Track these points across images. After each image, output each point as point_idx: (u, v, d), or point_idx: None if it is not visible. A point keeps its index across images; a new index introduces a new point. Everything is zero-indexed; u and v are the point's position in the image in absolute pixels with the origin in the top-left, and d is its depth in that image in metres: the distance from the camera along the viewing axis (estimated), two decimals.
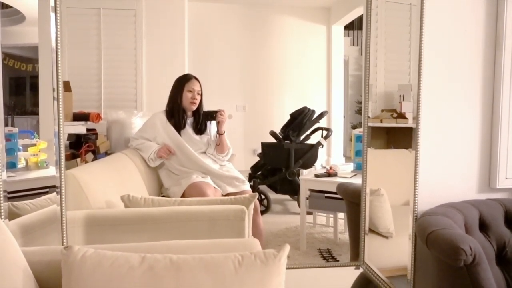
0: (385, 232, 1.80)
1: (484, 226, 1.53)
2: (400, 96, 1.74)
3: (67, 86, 2.33)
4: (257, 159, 2.93)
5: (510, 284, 1.47)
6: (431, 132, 1.67)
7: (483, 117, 1.73)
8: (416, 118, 1.56)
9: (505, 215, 1.56)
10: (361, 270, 1.81)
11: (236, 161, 2.45)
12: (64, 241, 1.37)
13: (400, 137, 1.72)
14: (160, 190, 2.25)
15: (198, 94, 2.27)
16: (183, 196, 2.11)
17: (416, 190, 1.55)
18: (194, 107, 2.27)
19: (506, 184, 1.71)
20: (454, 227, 1.36)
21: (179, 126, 2.24)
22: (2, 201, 1.25)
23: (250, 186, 2.37)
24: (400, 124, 1.71)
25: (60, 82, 1.31)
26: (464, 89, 1.72)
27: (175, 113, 2.24)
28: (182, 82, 2.27)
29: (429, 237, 1.32)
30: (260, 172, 2.88)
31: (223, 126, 2.29)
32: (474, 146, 1.73)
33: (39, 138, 2.06)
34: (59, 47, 1.32)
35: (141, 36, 2.88)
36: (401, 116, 1.71)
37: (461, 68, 1.71)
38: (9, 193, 1.34)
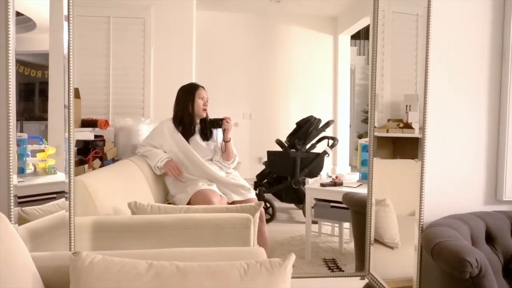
0: (390, 243, 1.80)
1: (490, 238, 1.52)
2: (406, 106, 1.75)
3: (76, 93, 2.34)
4: (263, 167, 2.94)
5: None
6: (437, 143, 1.67)
7: (489, 128, 1.73)
8: (422, 129, 1.56)
9: (511, 227, 1.55)
10: (366, 280, 1.80)
11: (241, 169, 2.46)
12: (72, 246, 1.38)
13: (406, 147, 1.72)
14: (166, 197, 2.26)
15: (207, 101, 2.31)
16: (189, 203, 2.12)
17: (422, 201, 1.55)
18: (205, 114, 2.31)
19: None
20: (460, 239, 1.36)
21: (188, 133, 2.26)
22: (13, 206, 1.26)
23: (256, 194, 2.37)
24: (406, 134, 1.71)
25: (71, 90, 1.34)
26: (470, 100, 1.72)
27: (186, 120, 2.27)
28: (192, 90, 2.30)
29: (435, 249, 1.32)
30: (265, 181, 2.89)
31: (229, 134, 2.31)
32: (481, 157, 1.73)
33: (47, 144, 2.08)
34: (71, 55, 1.35)
35: (150, 44, 2.91)
36: (407, 126, 1.72)
37: (467, 79, 1.71)
38: (18, 198, 1.35)
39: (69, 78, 1.33)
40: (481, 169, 1.73)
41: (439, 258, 1.31)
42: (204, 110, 2.30)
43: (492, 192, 1.73)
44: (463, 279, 1.22)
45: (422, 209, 1.55)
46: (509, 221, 1.56)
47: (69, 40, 1.37)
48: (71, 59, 1.35)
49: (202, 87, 2.33)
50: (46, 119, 2.20)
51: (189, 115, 2.27)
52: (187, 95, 2.29)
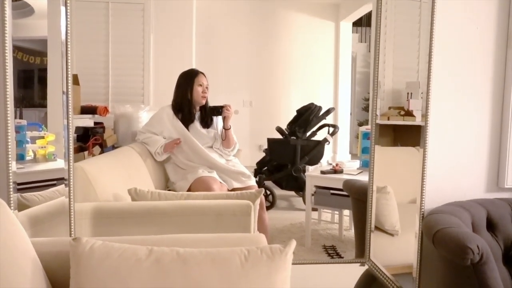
0: (391, 230, 1.80)
1: (491, 226, 1.52)
2: (408, 93, 1.73)
3: (75, 80, 2.33)
4: (263, 154, 2.93)
5: None
6: (439, 130, 1.66)
7: (492, 116, 1.71)
8: (425, 116, 1.55)
9: None
10: (366, 267, 1.81)
11: (242, 156, 2.46)
12: (72, 232, 1.38)
13: (407, 135, 1.71)
14: (167, 184, 2.26)
15: (207, 88, 2.29)
16: (189, 190, 2.12)
17: (424, 188, 1.55)
18: (204, 101, 2.29)
19: None
20: (461, 226, 1.36)
21: (188, 121, 2.25)
22: (12, 192, 1.26)
23: (256, 181, 2.37)
24: (408, 121, 1.70)
25: (69, 76, 1.32)
26: (473, 88, 1.70)
27: (185, 107, 2.25)
28: (191, 76, 2.28)
29: (436, 236, 1.32)
30: (265, 168, 2.88)
31: (229, 121, 2.29)
32: (483, 145, 1.72)
33: (47, 131, 2.07)
34: (69, 41, 1.33)
35: (149, 30, 2.88)
36: (409, 113, 1.71)
37: (471, 66, 1.69)
38: (18, 184, 1.35)
39: (67, 64, 1.31)
40: (483, 156, 1.72)
41: (440, 245, 1.31)
42: (203, 97, 2.28)
43: (494, 179, 1.73)
44: (464, 266, 1.22)
45: (424, 196, 1.55)
46: (511, 208, 1.56)
47: (66, 26, 1.34)
48: (69, 45, 1.33)
49: (203, 73, 2.30)
50: (45, 106, 2.19)
51: (188, 102, 2.25)
52: (186, 81, 2.27)
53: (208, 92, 2.30)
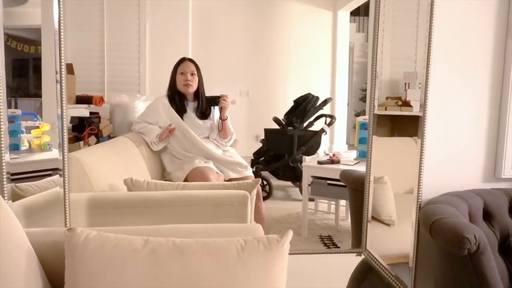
0: (387, 220, 1.80)
1: (488, 216, 1.53)
2: (405, 83, 1.72)
3: (70, 69, 2.31)
4: (260, 145, 2.93)
5: None
6: (437, 121, 1.65)
7: (491, 106, 1.70)
8: (423, 106, 1.54)
9: (509, 204, 1.55)
10: (362, 257, 1.82)
11: (239, 146, 2.45)
12: (67, 223, 1.37)
13: (405, 125, 1.70)
14: (163, 174, 2.25)
15: (192, 74, 2.23)
16: (185, 181, 2.11)
17: (421, 178, 1.54)
18: (190, 89, 2.24)
19: (511, 173, 1.70)
20: (458, 216, 1.36)
21: (180, 111, 2.23)
22: (5, 182, 1.24)
23: (253, 172, 2.37)
24: (406, 112, 1.69)
25: (63, 64, 1.30)
26: (472, 77, 1.69)
27: (174, 97, 2.23)
28: (176, 65, 2.26)
29: (433, 226, 1.32)
30: (262, 158, 2.88)
31: (226, 112, 2.27)
32: (481, 135, 1.71)
33: (42, 121, 2.05)
34: (62, 29, 1.30)
35: (145, 18, 2.84)
36: (406, 104, 1.69)
37: (470, 56, 1.68)
38: (12, 174, 1.33)
39: (60, 52, 1.28)
40: (481, 147, 1.71)
41: (437, 235, 1.31)
42: (186, 85, 2.22)
43: (491, 169, 1.73)
44: (461, 256, 1.22)
45: (421, 187, 1.55)
46: (507, 198, 1.56)
47: (59, 14, 1.32)
48: (62, 33, 1.30)
49: (190, 60, 2.26)
50: (40, 96, 2.17)
51: (175, 92, 2.23)
52: (173, 71, 2.26)
53: (199, 79, 2.26)
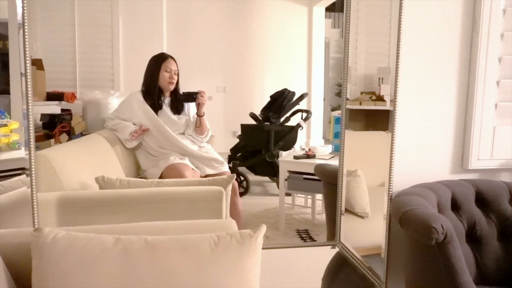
0: (361, 213, 1.84)
1: (456, 206, 1.57)
2: (379, 78, 1.75)
3: (39, 65, 2.23)
4: (237, 140, 2.92)
5: (479, 261, 1.52)
6: (407, 115, 1.69)
7: (458, 100, 1.76)
8: (393, 101, 1.57)
9: (476, 195, 1.61)
10: (337, 249, 1.85)
11: (215, 142, 2.43)
12: (36, 223, 1.33)
13: (379, 119, 1.73)
14: (138, 172, 2.22)
15: (175, 74, 2.23)
16: (161, 178, 2.08)
17: (392, 171, 1.58)
18: (172, 87, 2.23)
19: (478, 165, 1.76)
20: (427, 207, 1.40)
21: (156, 107, 2.20)
22: None
23: (230, 167, 2.36)
24: (378, 106, 1.72)
25: (27, 58, 1.25)
26: (440, 72, 1.73)
27: (152, 93, 2.20)
28: (159, 61, 2.22)
29: (403, 217, 1.35)
30: (239, 154, 2.87)
31: (203, 108, 2.26)
32: (449, 128, 1.76)
33: (10, 118, 1.99)
34: (26, 21, 1.26)
35: (118, 12, 2.78)
36: (380, 98, 1.72)
37: (438, 51, 1.72)
38: None
39: (24, 45, 1.24)
40: (449, 139, 1.77)
41: (407, 226, 1.34)
42: (170, 83, 2.21)
43: (459, 161, 1.78)
44: (429, 245, 1.26)
45: (392, 179, 1.58)
46: (474, 189, 1.61)
47: (23, 6, 1.27)
48: (26, 25, 1.26)
49: (172, 58, 2.25)
50: (9, 93, 2.09)
51: (155, 88, 2.20)
52: (154, 66, 2.21)
53: (178, 77, 2.25)
